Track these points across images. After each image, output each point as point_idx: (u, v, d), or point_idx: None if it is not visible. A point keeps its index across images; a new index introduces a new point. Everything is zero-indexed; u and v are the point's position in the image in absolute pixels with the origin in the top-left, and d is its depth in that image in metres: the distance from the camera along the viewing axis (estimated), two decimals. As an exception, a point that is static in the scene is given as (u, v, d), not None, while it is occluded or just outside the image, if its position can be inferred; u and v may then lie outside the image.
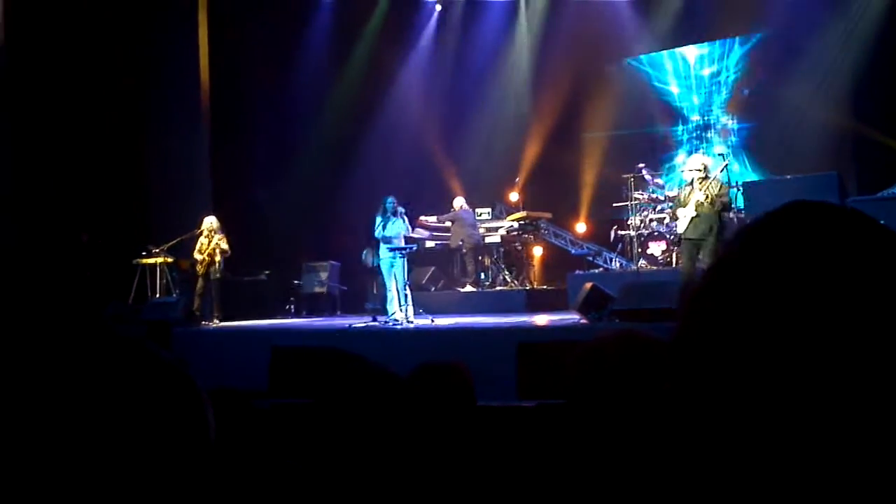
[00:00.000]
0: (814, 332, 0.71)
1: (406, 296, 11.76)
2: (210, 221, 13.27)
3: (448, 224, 15.19)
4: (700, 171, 11.15)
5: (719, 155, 12.55)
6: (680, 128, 17.57)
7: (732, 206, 11.55)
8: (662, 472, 0.77)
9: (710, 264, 0.82)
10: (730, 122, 16.94)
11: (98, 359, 0.98)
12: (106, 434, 0.94)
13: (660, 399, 0.82)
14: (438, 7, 19.25)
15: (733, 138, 16.84)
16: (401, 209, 12.24)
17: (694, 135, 17.33)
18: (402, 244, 12.02)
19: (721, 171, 11.39)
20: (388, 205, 12.19)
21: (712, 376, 0.75)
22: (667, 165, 17.20)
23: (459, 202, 15.26)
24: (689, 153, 16.13)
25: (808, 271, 0.73)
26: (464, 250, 15.09)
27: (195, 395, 1.01)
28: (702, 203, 10.72)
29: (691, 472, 0.77)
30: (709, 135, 17.12)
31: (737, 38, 16.82)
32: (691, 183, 11.29)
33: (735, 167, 13.46)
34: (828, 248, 0.74)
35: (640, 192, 14.06)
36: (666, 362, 0.81)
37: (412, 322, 11.47)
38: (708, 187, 10.91)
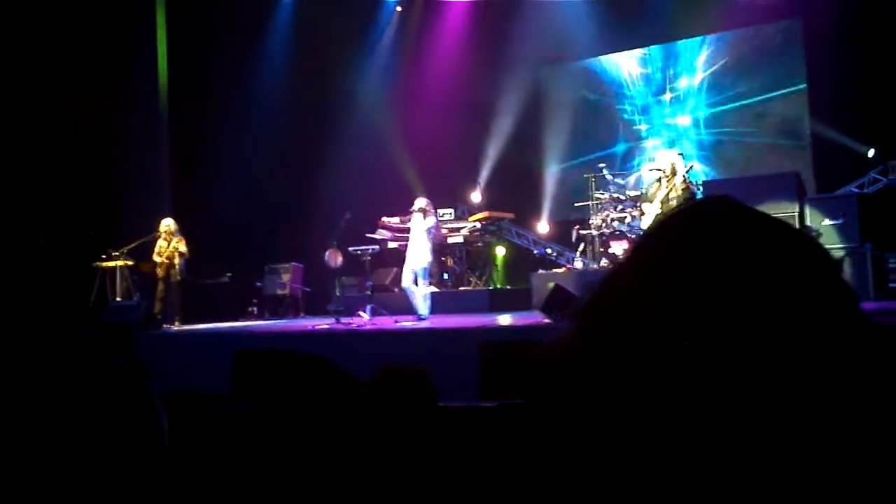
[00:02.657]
0: (692, 331, 0.73)
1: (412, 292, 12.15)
2: (167, 224, 13.20)
3: (409, 225, 15.16)
4: (665, 169, 11.25)
5: (679, 154, 12.66)
6: (640, 126, 17.66)
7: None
8: (611, 470, 0.79)
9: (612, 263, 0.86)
10: (688, 121, 17.06)
11: (43, 362, 0.97)
12: (50, 438, 0.93)
13: (564, 396, 0.85)
14: (399, 8, 19.24)
15: (694, 136, 16.95)
16: (413, 209, 12.37)
17: (655, 134, 17.43)
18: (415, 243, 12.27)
19: (687, 171, 11.49)
20: None
21: (604, 375, 0.78)
22: (627, 163, 17.29)
23: (421, 203, 15.22)
24: (650, 150, 16.29)
25: (692, 269, 0.76)
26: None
27: (146, 400, 1.01)
28: (667, 201, 10.81)
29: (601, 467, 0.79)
30: (671, 137, 17.22)
31: (693, 39, 16.94)
32: (659, 180, 11.40)
33: (697, 166, 13.54)
34: (711, 251, 0.77)
35: (602, 191, 14.13)
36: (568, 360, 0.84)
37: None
38: (673, 186, 11.00)
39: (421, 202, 12.36)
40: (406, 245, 15.50)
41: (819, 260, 0.78)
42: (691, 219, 0.82)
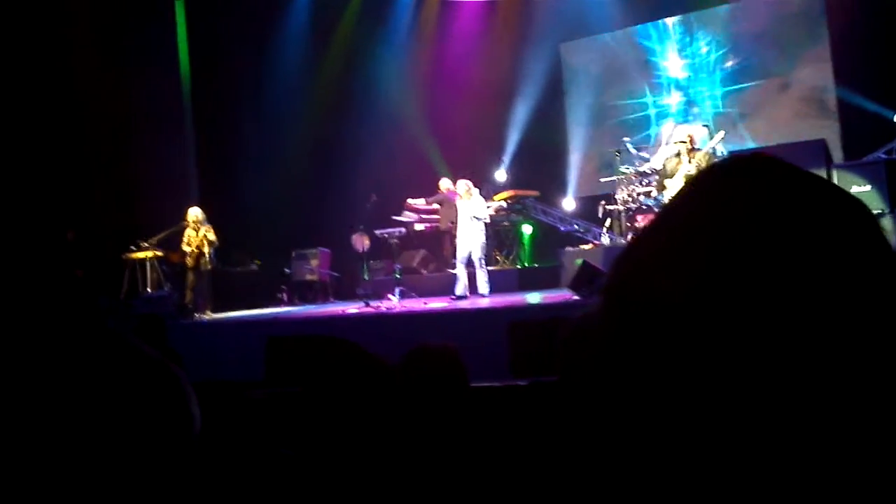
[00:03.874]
0: (721, 300, 0.71)
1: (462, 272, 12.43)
2: (195, 213, 13.25)
3: (436, 206, 15.17)
4: (686, 142, 11.14)
5: (704, 125, 12.54)
6: (663, 99, 17.54)
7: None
8: (645, 448, 0.78)
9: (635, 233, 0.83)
10: (715, 92, 16.91)
11: (76, 353, 0.98)
12: (83, 427, 0.94)
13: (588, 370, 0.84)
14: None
15: (718, 107, 16.81)
16: (460, 193, 12.56)
17: (678, 106, 17.31)
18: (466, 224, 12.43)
19: (718, 141, 11.38)
20: None
21: (630, 349, 0.76)
22: (650, 137, 17.17)
23: (445, 184, 15.23)
24: (673, 124, 16.17)
25: (717, 235, 0.73)
26: (453, 232, 15.07)
27: (177, 387, 1.01)
28: (691, 174, 10.70)
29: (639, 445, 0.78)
30: (695, 109, 17.09)
31: (715, 9, 16.78)
32: (678, 154, 11.30)
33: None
34: (739, 210, 0.74)
35: (626, 166, 14.04)
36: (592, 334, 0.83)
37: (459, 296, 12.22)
38: (698, 159, 10.90)
39: (462, 185, 12.43)
40: (432, 227, 15.55)
41: (861, 217, 0.75)
42: (717, 179, 0.79)
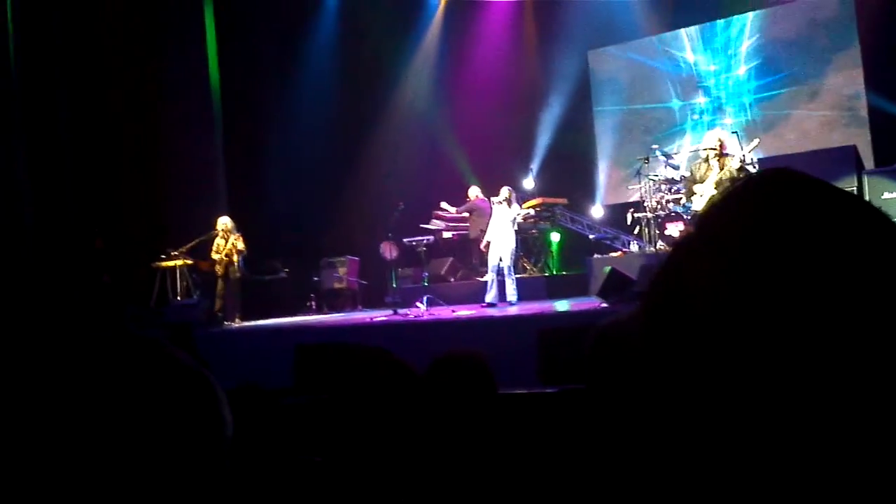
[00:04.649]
0: (763, 313, 0.71)
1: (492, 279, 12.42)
2: (224, 222, 13.34)
3: (465, 214, 15.18)
4: (715, 148, 11.07)
5: (733, 133, 12.46)
6: (692, 106, 17.46)
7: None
8: (677, 454, 0.78)
9: (672, 245, 0.84)
10: (744, 98, 16.82)
11: (110, 359, 0.99)
12: (118, 433, 0.95)
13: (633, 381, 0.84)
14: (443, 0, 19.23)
15: (748, 115, 16.71)
16: (495, 198, 12.63)
17: (707, 114, 17.22)
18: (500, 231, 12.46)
19: (752, 149, 11.31)
20: None
21: (672, 360, 0.76)
22: (679, 144, 17.09)
23: (475, 192, 15.25)
24: (701, 131, 16.08)
25: (758, 249, 0.74)
26: (481, 240, 15.08)
27: (210, 393, 1.02)
28: (722, 181, 10.63)
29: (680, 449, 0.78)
30: (724, 116, 17.00)
31: (744, 16, 16.69)
32: (706, 160, 11.22)
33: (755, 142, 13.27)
34: (777, 225, 0.75)
35: (655, 173, 13.98)
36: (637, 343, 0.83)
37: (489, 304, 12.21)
38: (729, 165, 10.82)
39: (505, 191, 12.49)
40: (460, 235, 15.56)
41: (889, 231, 0.76)
42: (753, 193, 0.80)
